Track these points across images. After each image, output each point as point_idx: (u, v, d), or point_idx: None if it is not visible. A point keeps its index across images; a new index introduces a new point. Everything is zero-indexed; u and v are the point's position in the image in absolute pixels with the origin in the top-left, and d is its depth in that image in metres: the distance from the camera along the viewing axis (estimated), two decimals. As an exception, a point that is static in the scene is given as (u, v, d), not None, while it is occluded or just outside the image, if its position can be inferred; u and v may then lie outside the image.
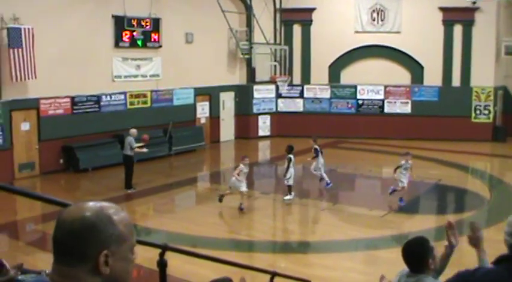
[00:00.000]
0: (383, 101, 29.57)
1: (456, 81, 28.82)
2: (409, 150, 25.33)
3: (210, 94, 28.08)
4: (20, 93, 20.01)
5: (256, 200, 18.36)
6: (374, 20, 29.40)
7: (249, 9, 28.65)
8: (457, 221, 15.82)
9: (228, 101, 29.20)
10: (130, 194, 18.32)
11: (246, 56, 28.20)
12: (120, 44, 23.50)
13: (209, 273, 9.60)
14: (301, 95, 30.21)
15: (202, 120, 27.91)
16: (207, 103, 28.15)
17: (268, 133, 30.04)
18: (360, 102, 29.79)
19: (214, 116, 28.52)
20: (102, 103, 23.05)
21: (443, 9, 28.41)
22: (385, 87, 29.37)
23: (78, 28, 21.73)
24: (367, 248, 13.89)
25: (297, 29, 30.25)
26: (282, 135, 28.81)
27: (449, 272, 4.78)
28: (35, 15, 19.86)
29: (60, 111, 21.58)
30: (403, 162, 17.20)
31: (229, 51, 28.84)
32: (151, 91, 25.06)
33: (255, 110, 29.81)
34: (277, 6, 29.99)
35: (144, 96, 24.79)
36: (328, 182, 19.34)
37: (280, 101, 30.32)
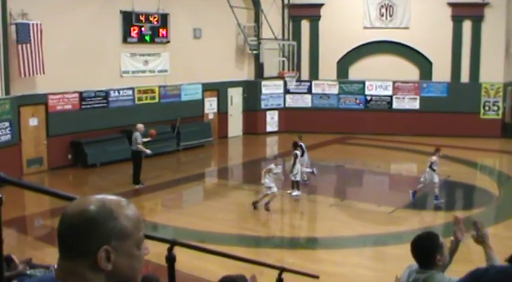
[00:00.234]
0: (391, 96, 29.48)
1: (465, 77, 28.69)
2: (417, 146, 25.43)
3: (218, 90, 28.07)
4: (28, 88, 20.06)
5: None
6: (382, 15, 29.30)
7: (257, 4, 28.59)
8: (465, 217, 15.79)
9: (236, 96, 29.17)
10: (138, 190, 18.34)
11: (254, 52, 28.16)
12: (128, 39, 23.52)
13: (217, 268, 9.61)
14: (309, 91, 30.15)
15: (210, 116, 27.90)
16: (215, 99, 28.14)
17: (276, 129, 30.01)
18: (368, 98, 29.71)
19: (222, 112, 28.50)
20: (110, 99, 23.09)
21: (452, 5, 28.26)
22: (394, 83, 29.27)
23: (87, 24, 21.75)
24: (375, 244, 13.88)
25: (305, 25, 30.17)
26: (290, 131, 28.75)
27: (458, 268, 4.76)
28: (43, 10, 19.89)
29: (68, 106, 21.63)
30: (434, 158, 17.00)
31: (238, 47, 28.80)
32: (159, 87, 25.07)
33: (263, 106, 29.78)
34: (286, 1, 29.93)
35: (152, 91, 24.80)
36: (306, 179, 19.40)
37: (288, 96, 30.27)
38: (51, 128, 21.04)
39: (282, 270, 7.71)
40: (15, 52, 19.12)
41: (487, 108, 28.50)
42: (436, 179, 16.88)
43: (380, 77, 29.15)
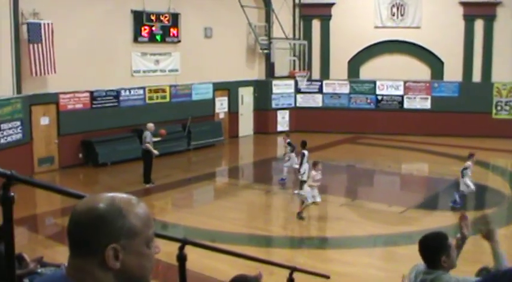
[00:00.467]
0: (402, 96, 29.38)
1: (477, 76, 28.55)
2: (429, 146, 25.35)
3: (229, 89, 28.07)
4: (39, 87, 20.13)
5: (275, 195, 18.35)
6: (394, 15, 29.22)
7: (268, 4, 28.59)
8: (477, 217, 15.71)
9: (246, 96, 29.16)
10: (149, 189, 18.36)
11: (265, 51, 28.16)
12: (139, 39, 23.55)
13: (227, 268, 9.60)
14: (320, 90, 30.09)
15: (221, 115, 27.90)
16: (226, 98, 28.14)
17: (287, 128, 29.89)
18: (379, 97, 29.62)
19: (233, 111, 28.50)
20: (121, 98, 23.14)
21: (464, 4, 28.14)
22: (405, 82, 29.17)
23: (98, 23, 21.80)
24: (386, 244, 13.84)
25: (316, 24, 30.13)
26: (300, 130, 28.67)
27: (467, 268, 4.73)
28: (55, 10, 19.96)
29: (79, 105, 21.69)
30: (469, 163, 16.82)
31: (248, 46, 28.79)
32: (170, 86, 25.10)
33: (273, 105, 29.76)
34: (297, 1, 29.92)
35: (163, 91, 24.83)
36: (284, 177, 19.51)
37: (299, 96, 30.22)
38: (62, 127, 21.10)
39: (293, 270, 7.69)
40: (27, 51, 19.19)
41: (499, 108, 28.35)
42: (465, 186, 16.54)
43: (391, 76, 29.06)
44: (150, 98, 24.28)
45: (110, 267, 1.82)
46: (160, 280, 10.44)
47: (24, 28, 19.33)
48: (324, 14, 29.80)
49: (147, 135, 18.45)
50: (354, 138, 27.89)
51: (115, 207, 1.85)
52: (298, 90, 30.02)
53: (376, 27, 29.33)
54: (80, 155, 21.68)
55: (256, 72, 29.48)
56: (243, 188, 19.65)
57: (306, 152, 17.61)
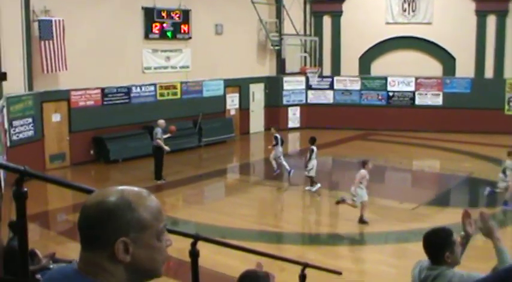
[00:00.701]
0: (414, 92, 29.27)
1: (489, 72, 28.40)
2: (440, 142, 25.25)
3: (240, 86, 28.06)
4: (51, 84, 20.19)
5: (286, 192, 18.33)
6: (405, 10, 29.12)
7: (278, 0, 28.54)
8: (488, 215, 15.64)
9: (257, 92, 29.15)
10: (160, 185, 18.38)
11: (276, 47, 28.15)
12: (150, 35, 23.58)
13: (238, 264, 9.58)
14: (331, 87, 30.04)
15: (232, 112, 27.91)
16: (237, 95, 28.14)
17: (298, 125, 29.94)
18: (391, 94, 29.52)
19: (244, 108, 28.50)
20: (132, 94, 23.18)
21: (476, -1, 28.04)
22: (416, 78, 29.06)
23: (109, 20, 21.84)
24: (397, 240, 13.79)
25: (327, 20, 30.07)
26: (311, 127, 28.67)
27: (479, 265, 4.69)
28: (66, 7, 20.01)
29: (90, 102, 21.74)
30: (509, 162, 16.68)
31: (259, 43, 28.77)
32: (181, 82, 25.12)
33: (284, 102, 29.73)
34: (307, -3, 29.90)
35: (174, 87, 24.85)
36: (289, 169, 19.54)
37: (310, 92, 30.17)
38: (74, 123, 21.16)
39: (305, 266, 7.68)
40: (38, 49, 19.26)
41: (511, 104, 28.19)
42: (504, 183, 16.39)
43: (402, 72, 28.97)
44: (161, 95, 24.31)
45: (120, 260, 1.83)
46: (172, 276, 10.45)
47: (35, 25, 19.40)
48: (335, 10, 29.74)
49: (158, 131, 18.47)
50: (365, 135, 27.83)
51: (124, 200, 1.85)
52: (309, 87, 29.98)
53: (388, 23, 29.24)
54: (91, 152, 21.74)
55: (267, 69, 29.45)
56: (254, 185, 19.66)
57: (314, 148, 17.57)
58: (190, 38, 24.99)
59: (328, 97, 30.08)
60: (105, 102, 22.22)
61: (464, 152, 23.65)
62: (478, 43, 28.31)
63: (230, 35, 26.61)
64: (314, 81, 29.32)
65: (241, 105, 28.35)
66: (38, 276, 8.50)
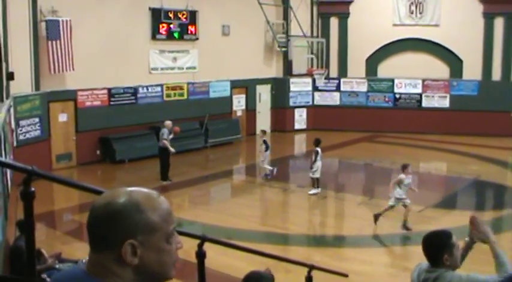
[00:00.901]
0: (421, 95, 29.20)
1: (496, 75, 28.30)
2: (447, 145, 25.19)
3: (247, 87, 28.06)
4: (58, 84, 20.22)
5: (292, 193, 18.31)
6: (412, 12, 29.06)
7: (285, 1, 28.56)
8: (496, 218, 15.62)
9: (264, 93, 29.15)
10: (166, 186, 18.37)
11: (283, 49, 28.15)
12: (157, 36, 23.60)
13: (244, 265, 9.57)
14: (338, 89, 30.01)
15: (239, 113, 27.91)
16: (244, 96, 28.14)
17: (304, 126, 29.92)
18: (397, 96, 29.46)
19: (251, 109, 28.50)
20: (138, 95, 23.20)
21: (484, 1, 27.89)
22: (423, 81, 28.99)
23: (116, 20, 21.87)
24: (403, 243, 13.76)
25: (334, 22, 30.03)
26: (318, 128, 28.65)
27: (486, 269, 4.66)
28: (73, 7, 20.04)
29: (97, 102, 21.77)
30: None
31: (266, 44, 28.76)
32: (188, 83, 25.13)
33: (291, 103, 29.71)
34: (315, -2, 29.88)
35: (181, 88, 24.87)
36: (268, 173, 19.71)
37: (316, 94, 30.14)
38: (80, 124, 21.20)
39: (311, 268, 7.66)
40: (45, 49, 19.29)
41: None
42: None
43: (409, 74, 28.91)
44: (168, 96, 24.33)
45: (128, 263, 1.80)
46: (178, 277, 10.44)
47: (42, 25, 19.44)
48: (342, 11, 29.71)
49: (164, 132, 18.47)
50: (372, 137, 27.78)
51: (132, 202, 1.83)
52: (315, 88, 29.96)
53: (395, 25, 29.19)
54: (98, 152, 21.78)
55: (274, 70, 29.44)
56: (260, 186, 19.62)
57: (319, 150, 17.54)
58: (197, 38, 25.01)
59: (334, 99, 30.04)
60: (111, 103, 22.24)
61: (471, 155, 23.59)
62: (485, 45, 28.22)
63: (237, 36, 26.62)
64: (321, 82, 29.31)
65: (247, 107, 28.35)
66: (44, 275, 8.51)
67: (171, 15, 23.83)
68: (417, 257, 4.55)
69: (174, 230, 1.92)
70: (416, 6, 28.95)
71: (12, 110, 17.04)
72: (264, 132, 20.69)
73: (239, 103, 27.95)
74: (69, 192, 16.94)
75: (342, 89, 29.98)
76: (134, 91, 23.03)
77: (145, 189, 1.92)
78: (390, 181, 14.94)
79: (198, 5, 24.67)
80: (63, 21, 19.48)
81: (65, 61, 19.69)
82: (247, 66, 27.45)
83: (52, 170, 19.94)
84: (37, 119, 19.23)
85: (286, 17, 28.63)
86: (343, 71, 30.03)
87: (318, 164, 17.41)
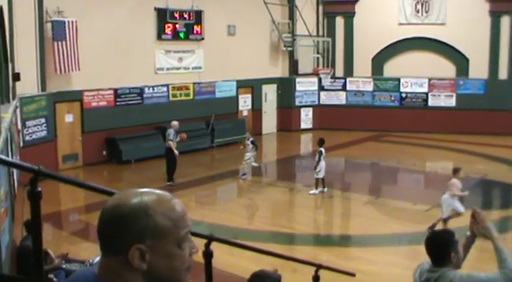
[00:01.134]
0: (427, 94, 29.14)
1: (503, 74, 28.19)
2: (454, 144, 25.12)
3: (253, 86, 28.05)
4: (64, 85, 20.26)
5: (298, 193, 18.29)
6: (418, 11, 28.99)
7: (291, 1, 28.54)
8: (503, 217, 15.57)
9: (270, 93, 29.14)
10: (172, 186, 18.35)
11: (289, 48, 28.14)
12: (163, 36, 23.62)
13: (250, 264, 9.56)
14: (344, 88, 29.97)
15: (245, 113, 27.91)
16: (249, 95, 28.13)
17: (310, 126, 29.90)
18: (403, 95, 29.40)
19: (257, 109, 28.49)
20: (144, 95, 23.22)
21: (490, 0, 27.82)
22: (429, 80, 28.93)
23: (121, 21, 21.89)
24: (410, 242, 13.70)
25: (339, 21, 30.00)
26: (324, 128, 28.64)
27: (487, 268, 4.64)
28: (79, 8, 20.07)
29: (103, 103, 21.80)
30: None
31: (272, 44, 28.75)
32: (194, 83, 25.14)
33: (297, 103, 29.69)
34: (320, -2, 29.86)
35: (187, 88, 24.87)
36: (245, 172, 20.04)
37: (322, 93, 30.12)
38: (86, 124, 21.22)
39: (319, 267, 7.65)
40: (51, 49, 19.34)
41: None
42: None
43: (415, 74, 28.85)
44: (174, 96, 24.34)
45: (136, 268, 1.74)
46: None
47: (48, 26, 19.48)
48: (348, 11, 29.67)
49: (170, 133, 18.43)
50: (378, 136, 27.74)
51: (141, 205, 1.76)
52: (321, 88, 29.94)
53: (400, 24, 29.13)
54: (104, 152, 21.80)
55: (280, 70, 29.43)
56: (266, 186, 19.62)
57: (323, 150, 17.51)
58: (202, 38, 25.01)
59: (340, 98, 30.01)
60: (117, 103, 22.27)
61: (477, 154, 23.52)
62: (492, 44, 28.13)
63: (243, 36, 26.61)
64: (327, 82, 29.29)
65: (253, 106, 28.34)
66: (51, 276, 8.52)
67: (176, 15, 23.85)
68: (424, 257, 4.54)
69: (187, 234, 1.85)
70: (422, 5, 28.89)
71: (18, 110, 17.07)
72: (250, 132, 20.69)
73: (245, 103, 27.95)
74: (75, 193, 16.98)
75: (347, 88, 29.94)
76: (140, 91, 23.04)
77: (158, 191, 1.85)
78: (447, 188, 14.05)
79: (203, 5, 24.67)
80: (68, 21, 19.51)
81: (70, 62, 19.74)
82: (253, 66, 27.44)
83: (58, 170, 19.96)
84: (43, 120, 19.27)
85: (291, 16, 28.61)
86: (349, 71, 29.99)
87: (322, 164, 17.37)
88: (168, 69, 24.08)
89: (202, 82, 25.47)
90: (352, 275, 9.04)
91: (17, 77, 16.73)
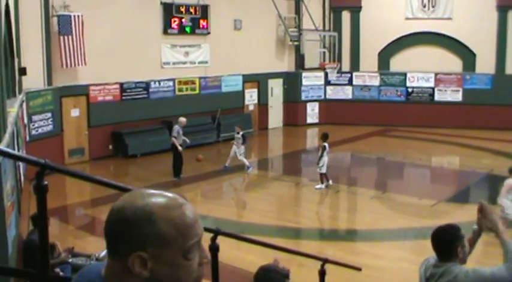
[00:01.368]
0: (433, 88, 29.06)
1: (510, 68, 28.05)
2: (460, 139, 25.07)
3: (259, 81, 28.03)
4: (70, 79, 20.28)
5: (304, 187, 18.29)
6: (425, 6, 28.90)
7: (297, -5, 28.51)
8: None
9: (276, 88, 29.11)
10: (177, 181, 18.36)
11: (295, 43, 28.10)
12: (169, 30, 23.60)
13: (256, 259, 9.56)
14: (350, 82, 29.93)
15: (251, 107, 27.90)
16: (256, 90, 28.11)
17: (316, 120, 29.87)
18: (410, 90, 29.33)
19: (263, 103, 28.47)
20: (150, 90, 23.22)
21: (498, -6, 27.75)
22: (436, 74, 28.85)
23: (128, 15, 21.88)
24: (416, 237, 13.69)
25: (346, 16, 29.94)
26: (330, 122, 28.63)
27: (494, 263, 4.62)
28: (85, 2, 20.07)
29: (109, 97, 21.81)
30: None
31: (278, 38, 28.71)
32: (200, 78, 25.13)
33: (303, 97, 29.66)
34: (326, -8, 29.80)
35: (193, 83, 24.87)
36: (249, 166, 20.03)
37: (328, 88, 30.08)
38: (93, 118, 21.25)
39: (325, 261, 7.65)
40: (57, 44, 19.36)
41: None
42: None
43: (422, 68, 28.78)
44: (180, 90, 24.34)
45: (137, 274, 1.66)
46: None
47: (54, 20, 19.50)
48: (354, 5, 29.60)
49: (175, 129, 18.38)
50: (384, 131, 27.70)
51: (146, 210, 1.65)
52: (328, 82, 29.90)
53: (407, 18, 29.05)
54: (110, 147, 21.83)
55: (286, 64, 29.40)
56: (272, 180, 19.62)
57: (326, 145, 17.48)
58: (209, 33, 24.99)
59: (347, 93, 29.97)
60: (123, 97, 22.28)
61: (484, 149, 23.46)
62: (499, 39, 28.02)
63: (249, 31, 26.58)
64: (333, 76, 29.27)
65: (259, 101, 28.32)
66: (57, 270, 8.54)
67: (182, 9, 23.83)
68: (430, 252, 4.53)
69: (195, 244, 1.73)
70: (428, 0, 28.79)
71: (24, 105, 17.09)
72: (240, 126, 20.60)
73: (251, 97, 27.93)
74: (81, 187, 17.02)
75: (354, 83, 29.89)
76: (146, 86, 23.05)
77: (168, 195, 1.75)
78: (507, 192, 13.22)
79: (209, 0, 24.66)
80: (74, 16, 19.52)
81: (77, 56, 19.76)
82: (259, 61, 27.41)
83: (64, 164, 19.96)
84: (49, 114, 19.31)
85: (298, 10, 28.56)
86: (355, 65, 29.93)
87: (325, 159, 17.35)
88: (174, 63, 24.08)
89: (209, 76, 25.46)
90: (358, 269, 9.04)
91: (23, 71, 16.75)
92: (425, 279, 4.48)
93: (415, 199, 16.38)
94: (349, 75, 29.89)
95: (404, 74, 29.24)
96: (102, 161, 21.04)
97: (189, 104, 23.85)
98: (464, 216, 14.94)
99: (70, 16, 19.43)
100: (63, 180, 16.82)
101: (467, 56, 28.61)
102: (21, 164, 12.79)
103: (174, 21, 23.70)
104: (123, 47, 21.63)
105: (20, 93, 16.38)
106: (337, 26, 29.88)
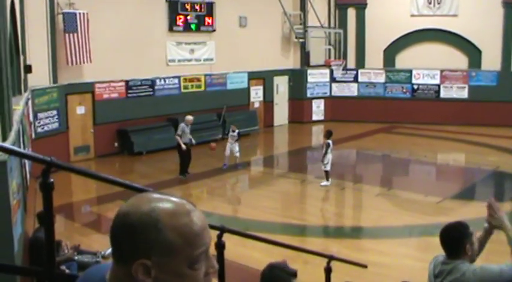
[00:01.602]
0: (439, 85, 29.01)
1: (516, 65, 28.06)
2: (465, 136, 25.03)
3: (264, 78, 28.03)
4: (75, 77, 20.29)
5: (310, 185, 18.28)
6: (430, 3, 28.84)
7: (303, -8, 28.48)
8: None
9: (281, 85, 29.10)
10: (183, 178, 18.36)
11: (300, 40, 28.08)
12: (174, 28, 23.61)
13: (261, 256, 9.59)
14: (356, 79, 29.89)
15: (256, 105, 27.89)
16: (261, 87, 28.11)
17: (322, 118, 29.86)
18: (415, 86, 29.30)
19: (268, 100, 28.47)
20: (156, 87, 23.24)
21: (503, -9, 27.67)
22: (441, 71, 28.80)
23: (133, 13, 21.89)
24: (421, 234, 13.67)
25: (351, 13, 29.90)
26: (335, 119, 28.63)
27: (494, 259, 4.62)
28: (90, 0, 20.06)
29: (115, 95, 21.83)
30: None
31: (283, 35, 28.70)
32: (205, 75, 25.13)
33: (308, 94, 29.65)
34: (332, -11, 29.76)
35: (198, 80, 24.87)
36: (226, 163, 19.81)
37: (334, 85, 30.06)
38: (98, 116, 21.27)
39: (331, 258, 7.65)
40: (63, 41, 19.38)
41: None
42: None
43: (427, 65, 28.74)
44: (185, 87, 24.35)
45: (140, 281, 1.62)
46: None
47: (60, 18, 19.50)
48: (360, 2, 29.56)
49: (179, 127, 18.33)
50: (390, 128, 27.67)
51: (151, 217, 1.60)
52: (333, 79, 29.87)
53: (412, 15, 29.01)
54: (116, 144, 21.85)
55: (291, 61, 29.39)
56: (277, 177, 19.60)
57: (330, 142, 17.45)
58: (214, 30, 24.99)
59: (352, 90, 29.94)
60: (129, 95, 22.30)
61: (490, 146, 23.42)
62: (504, 35, 27.96)
63: (254, 28, 26.57)
64: (338, 73, 29.24)
65: (265, 98, 28.32)
66: (63, 267, 8.56)
67: (187, 6, 23.84)
68: (435, 248, 4.53)
69: (203, 254, 1.67)
70: (434, -4, 28.76)
71: (30, 102, 17.12)
72: (236, 126, 20.57)
73: (256, 95, 27.93)
74: (87, 184, 17.05)
75: (359, 80, 29.86)
76: (152, 83, 23.07)
77: (176, 200, 1.69)
78: None
79: (214, -3, 24.70)
80: (80, 13, 19.53)
81: (82, 53, 19.78)
82: (265, 58, 27.40)
83: (70, 162, 19.98)
84: (55, 112, 19.33)
85: (303, 7, 28.54)
86: (360, 62, 29.91)
87: (329, 156, 17.33)
88: (179, 61, 24.10)
89: (214, 74, 25.47)
90: (364, 266, 9.03)
91: (28, 69, 16.78)
92: (434, 277, 4.48)
93: (420, 196, 16.36)
94: (354, 72, 29.86)
95: (410, 71, 29.19)
96: (107, 159, 21.07)
97: (194, 101, 23.87)
98: (470, 213, 14.94)
99: (75, 14, 19.44)
100: (69, 178, 16.85)
101: (473, 52, 28.56)
102: (27, 162, 12.81)
103: (180, 18, 23.71)
104: (128, 45, 21.65)
105: (25, 90, 16.41)
106: (343, 23, 29.85)
